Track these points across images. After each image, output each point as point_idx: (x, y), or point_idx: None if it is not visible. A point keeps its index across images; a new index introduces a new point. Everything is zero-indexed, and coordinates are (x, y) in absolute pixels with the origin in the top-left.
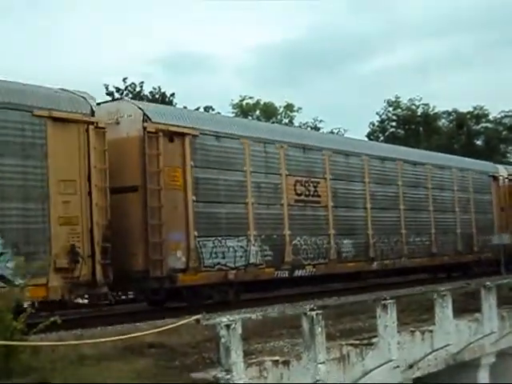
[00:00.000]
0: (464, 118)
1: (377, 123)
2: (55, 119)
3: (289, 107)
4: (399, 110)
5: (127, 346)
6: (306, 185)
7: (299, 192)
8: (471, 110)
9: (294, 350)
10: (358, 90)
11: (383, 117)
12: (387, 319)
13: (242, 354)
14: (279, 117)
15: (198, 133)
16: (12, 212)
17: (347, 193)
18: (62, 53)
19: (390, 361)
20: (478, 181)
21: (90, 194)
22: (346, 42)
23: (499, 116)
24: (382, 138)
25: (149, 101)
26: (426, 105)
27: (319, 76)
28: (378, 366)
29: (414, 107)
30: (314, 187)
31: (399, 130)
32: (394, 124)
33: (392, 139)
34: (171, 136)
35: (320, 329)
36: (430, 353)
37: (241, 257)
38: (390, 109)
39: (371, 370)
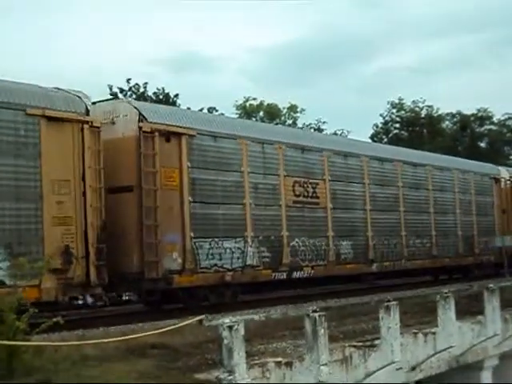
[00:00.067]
0: (468, 120)
1: (380, 125)
2: (49, 118)
3: (292, 108)
4: (403, 112)
5: (129, 346)
6: (305, 186)
7: (298, 193)
8: (475, 112)
9: (296, 351)
10: (361, 91)
11: (387, 118)
12: (390, 321)
13: (245, 354)
14: (283, 118)
15: (195, 133)
16: (5, 212)
17: (346, 194)
18: (64, 54)
19: (393, 362)
20: (479, 183)
21: (84, 194)
22: (349, 42)
23: (503, 118)
24: (385, 140)
25: (152, 102)
26: (430, 107)
27: (322, 77)
28: (381, 368)
29: (417, 109)
30: (313, 188)
31: (403, 132)
32: (397, 126)
33: (396, 141)
34: (168, 136)
35: (323, 330)
36: (433, 355)
37: (238, 258)
38: (394, 110)
39: (374, 372)
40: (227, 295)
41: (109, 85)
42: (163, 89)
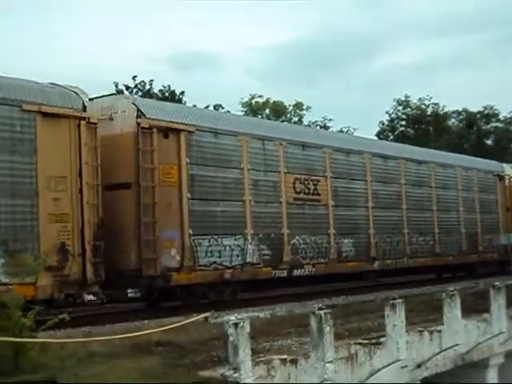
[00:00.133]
0: (474, 117)
1: (386, 122)
2: (45, 114)
3: (298, 106)
4: (409, 109)
5: (135, 343)
6: (306, 183)
7: (298, 190)
8: (481, 109)
9: (302, 348)
10: (366, 89)
11: (393, 116)
12: (396, 319)
13: (250, 352)
14: (288, 115)
15: (194, 129)
16: (0, 209)
17: (348, 191)
18: (65, 53)
19: (398, 360)
20: (482, 180)
21: (81, 191)
22: (351, 41)
23: (509, 116)
24: (391, 137)
25: (158, 99)
26: (436, 104)
27: (326, 76)
28: (386, 366)
29: (423, 106)
30: (314, 185)
31: (409, 130)
32: (403, 123)
33: (402, 138)
34: (166, 132)
35: (328, 328)
36: (439, 353)
37: (237, 256)
38: (400, 108)
39: (379, 370)
40: (226, 293)
41: (114, 82)
42: (169, 86)
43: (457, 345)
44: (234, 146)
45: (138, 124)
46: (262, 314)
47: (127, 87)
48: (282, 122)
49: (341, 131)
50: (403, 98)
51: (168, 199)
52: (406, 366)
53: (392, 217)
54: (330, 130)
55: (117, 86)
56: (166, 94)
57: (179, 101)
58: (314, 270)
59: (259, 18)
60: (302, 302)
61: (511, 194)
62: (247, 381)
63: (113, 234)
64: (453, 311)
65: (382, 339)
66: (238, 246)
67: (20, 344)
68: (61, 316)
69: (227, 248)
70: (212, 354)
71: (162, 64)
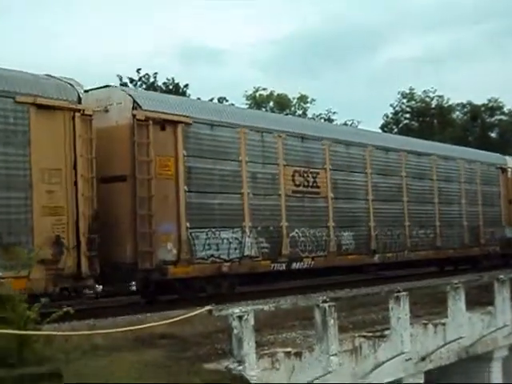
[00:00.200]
0: (478, 110)
1: (391, 115)
2: (39, 106)
3: (302, 99)
4: (413, 102)
5: (139, 336)
6: (305, 175)
7: (297, 183)
8: (486, 102)
9: (306, 341)
10: (371, 82)
11: (397, 109)
12: (400, 311)
13: (255, 344)
14: (293, 108)
15: (191, 121)
16: None
17: (348, 184)
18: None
19: (403, 353)
20: (485, 172)
21: (75, 183)
22: (358, 33)
23: None
24: (395, 130)
25: (162, 92)
26: (441, 97)
27: (331, 68)
28: (391, 358)
29: (428, 99)
30: (314, 178)
31: (413, 122)
32: (407, 116)
33: (406, 131)
34: (163, 124)
35: (332, 320)
36: (443, 345)
37: (235, 249)
38: (404, 101)
39: (383, 362)
40: (224, 286)
41: (118, 75)
42: (173, 79)
43: (461, 338)
44: (232, 138)
45: (134, 116)
46: (266, 307)
47: (131, 80)
48: (286, 114)
49: (345, 124)
50: (407, 91)
51: (165, 192)
52: (410, 359)
53: (393, 209)
54: (334, 122)
55: (121, 79)
56: (170, 87)
57: (183, 94)
58: (313, 263)
59: (263, 10)
60: (303, 295)
61: None
62: (251, 373)
63: (108, 227)
64: (457, 304)
65: (386, 332)
66: (236, 238)
67: (25, 337)
68: (65, 309)
69: (225, 241)
70: (216, 347)
71: (166, 58)
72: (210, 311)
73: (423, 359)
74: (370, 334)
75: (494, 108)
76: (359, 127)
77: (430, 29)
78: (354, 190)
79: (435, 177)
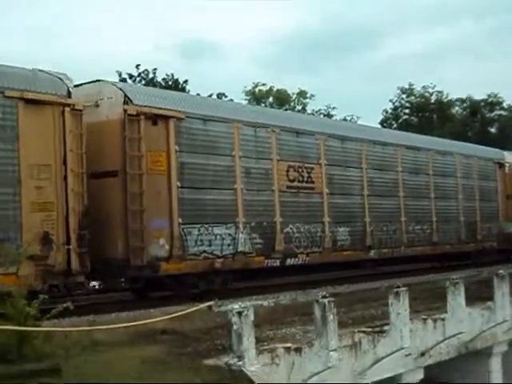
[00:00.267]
0: (478, 105)
1: (390, 110)
2: (27, 101)
3: (302, 94)
4: (413, 98)
5: (139, 332)
6: (300, 170)
7: (292, 178)
8: (485, 97)
9: (305, 336)
10: (371, 78)
11: (396, 104)
12: (399, 307)
13: (254, 340)
14: (292, 104)
15: (183, 116)
16: None
17: (343, 179)
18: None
19: (402, 348)
20: (482, 167)
21: (65, 179)
22: (358, 29)
23: None
24: (395, 126)
25: (162, 88)
26: (440, 92)
27: (330, 64)
28: (390, 354)
29: (427, 94)
30: (308, 173)
31: (412, 118)
32: (407, 111)
33: (405, 126)
34: (154, 119)
35: (332, 316)
36: (442, 341)
37: (228, 245)
38: (404, 96)
39: (383, 358)
40: (217, 283)
41: (117, 71)
42: (172, 75)
43: (460, 333)
44: (225, 132)
45: (125, 111)
46: (265, 303)
47: (130, 76)
48: (286, 110)
49: (344, 119)
50: (407, 86)
51: (156, 187)
52: (409, 354)
53: (388, 205)
54: (334, 118)
55: (120, 74)
56: (170, 83)
57: (182, 89)
58: (307, 259)
59: (263, 6)
60: (301, 290)
61: (511, 182)
62: (251, 369)
63: (99, 223)
64: (457, 299)
65: (385, 327)
66: (230, 234)
67: (24, 333)
68: (65, 304)
69: (218, 237)
70: (216, 343)
71: (166, 53)
72: (209, 307)
73: (423, 354)
74: (370, 330)
75: (493, 103)
76: (359, 122)
77: (430, 26)
78: (349, 186)
79: (432, 172)
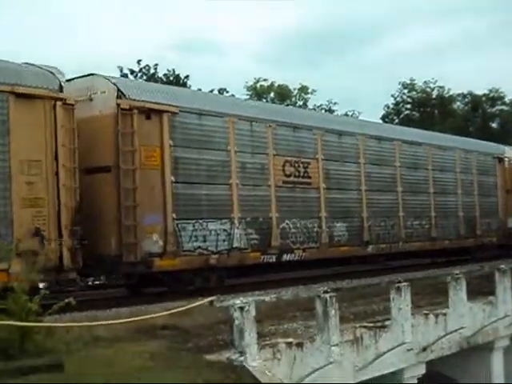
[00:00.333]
0: (479, 100)
1: (391, 106)
2: (18, 95)
3: (303, 89)
4: (414, 93)
5: (140, 327)
6: (296, 165)
7: (288, 173)
8: (487, 92)
9: (307, 332)
10: (372, 73)
11: (398, 99)
12: (401, 302)
13: (256, 335)
14: (293, 99)
15: (177, 110)
16: None
17: (340, 174)
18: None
19: (404, 343)
20: (482, 162)
21: (57, 174)
22: (359, 25)
23: None
24: (396, 121)
25: (163, 83)
26: (441, 87)
27: (332, 59)
28: (392, 349)
29: (428, 90)
30: (305, 168)
31: (414, 113)
32: (408, 106)
33: (407, 122)
34: (148, 113)
35: (333, 311)
36: (444, 336)
37: (224, 240)
38: (405, 91)
39: (384, 353)
40: (212, 279)
41: (119, 66)
42: (173, 70)
43: (462, 328)
44: (220, 127)
45: (118, 105)
46: (267, 298)
47: (132, 71)
48: (287, 105)
49: (346, 115)
50: (408, 82)
51: (150, 182)
52: (411, 349)
53: (386, 200)
54: (335, 113)
55: (121, 70)
56: (171, 78)
57: (184, 85)
58: (304, 254)
59: (263, 5)
60: (303, 286)
61: (511, 177)
62: (253, 364)
63: (92, 218)
64: (458, 294)
65: (387, 322)
66: (225, 230)
67: (26, 328)
68: (66, 300)
69: (213, 232)
70: (218, 338)
71: (167, 49)
72: (211, 302)
73: (424, 349)
74: (371, 325)
75: (495, 98)
76: (360, 118)
77: (432, 20)
78: (346, 180)
79: (430, 166)
